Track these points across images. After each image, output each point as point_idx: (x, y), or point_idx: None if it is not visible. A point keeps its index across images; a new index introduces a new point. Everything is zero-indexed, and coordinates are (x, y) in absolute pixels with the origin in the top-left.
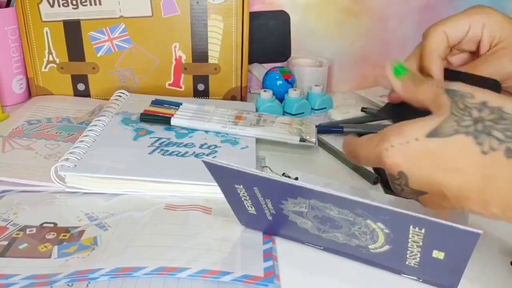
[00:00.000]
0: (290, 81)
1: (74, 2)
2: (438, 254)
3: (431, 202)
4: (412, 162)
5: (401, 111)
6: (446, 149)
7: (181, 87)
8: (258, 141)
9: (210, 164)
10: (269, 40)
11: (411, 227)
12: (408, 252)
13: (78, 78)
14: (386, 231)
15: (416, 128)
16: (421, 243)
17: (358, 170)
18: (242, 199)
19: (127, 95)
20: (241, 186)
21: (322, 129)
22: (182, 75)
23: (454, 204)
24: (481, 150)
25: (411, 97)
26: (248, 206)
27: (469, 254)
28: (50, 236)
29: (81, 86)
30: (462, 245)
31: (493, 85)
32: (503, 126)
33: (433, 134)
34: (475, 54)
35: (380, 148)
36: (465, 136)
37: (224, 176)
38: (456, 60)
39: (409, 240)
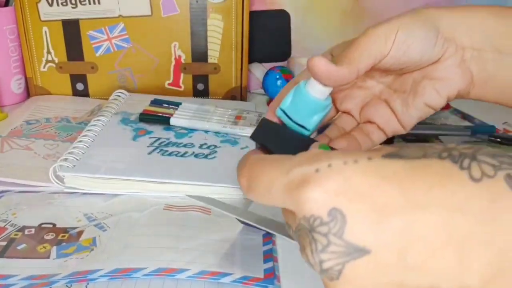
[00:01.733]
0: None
1: (73, 1)
2: None
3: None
4: (361, 194)
5: (285, 134)
6: (416, 174)
7: (180, 87)
8: None
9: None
10: (269, 39)
11: None
12: None
13: (77, 78)
14: None
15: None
16: None
17: None
18: None
19: (126, 95)
20: None
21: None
22: (182, 74)
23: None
24: (469, 175)
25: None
26: None
27: None
28: (49, 236)
29: (80, 86)
30: None
31: None
32: (489, 152)
33: (391, 155)
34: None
35: (305, 169)
36: (438, 159)
37: None
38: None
39: None
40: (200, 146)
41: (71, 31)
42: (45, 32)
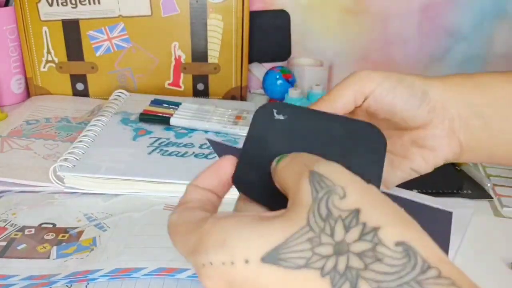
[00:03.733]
0: (290, 81)
1: (73, 1)
2: None
3: None
4: None
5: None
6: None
7: (180, 87)
8: None
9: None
10: (269, 39)
11: None
12: None
13: (77, 78)
14: None
15: (251, 240)
16: None
17: None
18: None
19: (126, 95)
20: None
21: None
22: (182, 74)
23: None
24: None
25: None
26: None
27: (446, 239)
28: (49, 236)
29: (80, 86)
30: (436, 226)
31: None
32: (377, 275)
33: (271, 257)
34: None
35: (195, 259)
36: (319, 276)
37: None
38: None
39: None
40: (200, 146)
41: (71, 31)
42: (45, 32)
